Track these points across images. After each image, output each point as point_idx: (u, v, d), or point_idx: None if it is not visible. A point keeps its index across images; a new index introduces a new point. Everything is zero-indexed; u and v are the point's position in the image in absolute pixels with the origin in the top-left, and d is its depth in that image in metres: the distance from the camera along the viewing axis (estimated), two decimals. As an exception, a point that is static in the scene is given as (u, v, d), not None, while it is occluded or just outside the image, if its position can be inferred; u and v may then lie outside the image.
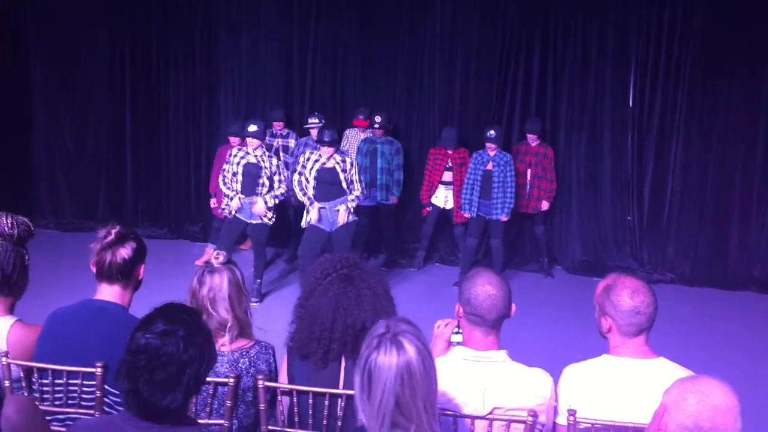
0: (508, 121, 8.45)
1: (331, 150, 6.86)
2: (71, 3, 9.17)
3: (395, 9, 8.60)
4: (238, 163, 7.01)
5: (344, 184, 6.86)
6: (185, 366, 1.93)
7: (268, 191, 6.98)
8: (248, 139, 6.99)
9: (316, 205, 6.85)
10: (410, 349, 1.97)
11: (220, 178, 7.14)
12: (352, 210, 6.92)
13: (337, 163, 6.88)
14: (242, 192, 6.99)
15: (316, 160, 6.91)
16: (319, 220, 6.86)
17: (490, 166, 7.52)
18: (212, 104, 9.22)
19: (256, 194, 6.96)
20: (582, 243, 8.50)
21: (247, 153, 7.02)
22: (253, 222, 7.02)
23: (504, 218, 7.56)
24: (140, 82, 9.30)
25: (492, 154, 7.52)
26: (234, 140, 7.85)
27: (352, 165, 6.95)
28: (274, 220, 7.10)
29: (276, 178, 7.02)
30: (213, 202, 8.14)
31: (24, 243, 3.01)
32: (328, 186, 6.86)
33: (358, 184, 6.97)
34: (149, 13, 9.14)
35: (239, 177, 6.99)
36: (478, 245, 7.93)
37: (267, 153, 7.12)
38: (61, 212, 9.58)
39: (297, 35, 8.90)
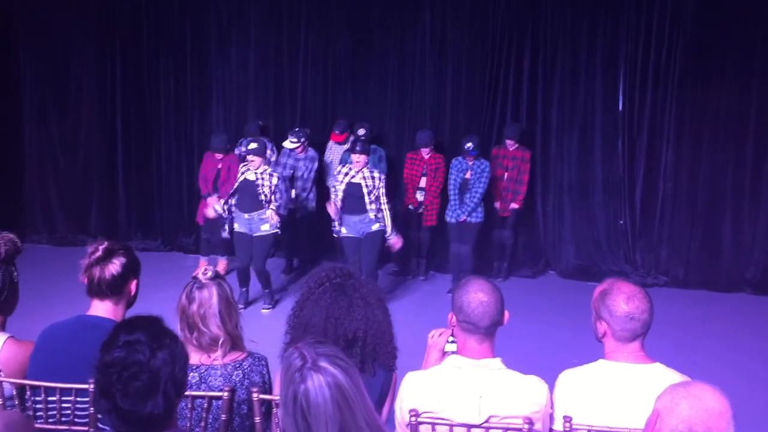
0: (499, 127, 8.45)
1: (361, 160, 6.87)
2: (62, 17, 9.17)
3: (385, 17, 8.63)
4: (237, 179, 7.11)
5: (366, 199, 6.86)
6: (157, 371, 1.91)
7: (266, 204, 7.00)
8: (249, 157, 7.01)
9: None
10: (335, 371, 1.90)
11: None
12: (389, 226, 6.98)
13: (364, 177, 6.89)
14: (240, 209, 7.04)
15: (346, 173, 6.96)
16: (341, 223, 6.99)
17: (468, 175, 7.66)
18: (203, 116, 9.22)
19: (261, 210, 6.97)
20: (575, 247, 8.52)
21: (249, 169, 7.03)
22: (256, 235, 7.04)
23: (463, 218, 7.62)
24: (131, 95, 9.29)
25: (470, 162, 7.64)
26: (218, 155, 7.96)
27: (380, 180, 6.93)
28: (279, 231, 7.12)
29: (278, 195, 7.01)
30: (212, 200, 7.95)
31: (12, 260, 2.97)
32: (356, 200, 6.89)
33: (384, 198, 6.93)
34: (139, 26, 9.14)
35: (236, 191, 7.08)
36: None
37: (269, 171, 7.08)
38: (53, 227, 9.55)
39: (287, 45, 8.92)
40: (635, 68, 8.14)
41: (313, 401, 1.87)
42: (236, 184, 7.06)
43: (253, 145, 6.99)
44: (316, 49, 8.88)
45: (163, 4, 9.06)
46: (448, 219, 7.77)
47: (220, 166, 7.95)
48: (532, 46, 8.36)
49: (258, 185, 6.94)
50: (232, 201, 7.07)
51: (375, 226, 6.92)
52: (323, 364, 1.90)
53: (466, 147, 7.51)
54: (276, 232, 7.10)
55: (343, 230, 7.01)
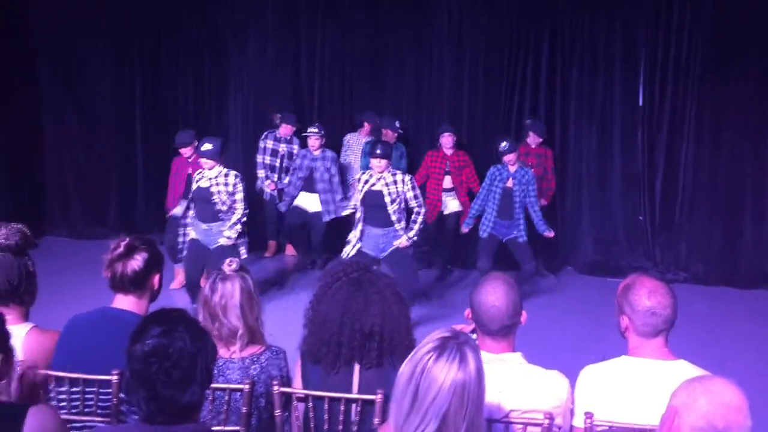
0: (517, 122, 8.42)
1: (382, 165, 6.12)
2: (80, 12, 9.20)
3: (402, 13, 8.60)
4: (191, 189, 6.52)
5: (390, 209, 6.13)
6: (195, 357, 1.94)
7: (228, 214, 6.38)
8: (202, 160, 6.36)
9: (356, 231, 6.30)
10: (471, 367, 1.87)
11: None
12: (415, 239, 6.27)
13: (386, 184, 6.14)
14: (198, 218, 6.43)
15: (366, 181, 6.20)
16: (361, 239, 6.23)
17: (510, 183, 6.91)
18: (221, 110, 9.24)
19: (220, 220, 6.38)
20: (593, 243, 8.48)
21: (203, 176, 6.40)
22: (214, 246, 6.35)
23: (524, 238, 6.98)
24: (149, 90, 9.34)
25: (512, 169, 6.90)
26: (185, 152, 7.24)
27: (404, 183, 6.14)
28: (245, 253, 6.43)
29: (237, 197, 6.36)
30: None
31: (23, 250, 2.99)
32: (378, 210, 6.15)
33: (414, 202, 6.18)
34: (157, 21, 9.17)
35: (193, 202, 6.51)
36: (492, 269, 6.84)
37: (224, 171, 6.36)
38: (72, 220, 9.60)
39: (304, 41, 8.92)
40: (655, 63, 8.08)
41: (433, 378, 1.85)
42: (191, 194, 6.49)
43: (207, 146, 6.26)
44: (333, 45, 8.87)
45: (181, 0, 9.09)
46: (481, 233, 7.01)
47: (190, 170, 7.08)
48: (550, 41, 8.30)
49: (212, 192, 6.28)
50: (190, 212, 6.52)
51: (397, 242, 6.18)
52: (467, 351, 1.89)
53: (501, 147, 6.85)
54: (236, 246, 6.35)
55: (357, 244, 6.24)
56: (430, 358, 1.87)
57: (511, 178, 6.91)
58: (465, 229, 7.25)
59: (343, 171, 8.35)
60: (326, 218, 7.85)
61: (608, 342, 2.94)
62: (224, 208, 6.33)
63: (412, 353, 1.93)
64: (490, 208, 6.94)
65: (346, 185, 8.09)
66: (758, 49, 7.76)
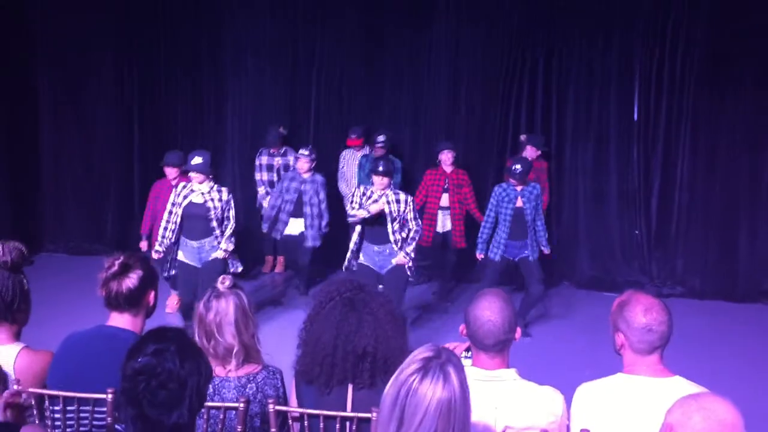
0: (513, 137, 8.46)
1: (384, 182, 6.11)
2: (78, 27, 9.22)
3: (398, 28, 8.64)
4: (180, 204, 6.20)
5: (389, 228, 6.09)
6: (185, 380, 1.92)
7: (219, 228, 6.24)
8: (192, 174, 6.17)
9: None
10: (455, 385, 1.86)
11: (165, 217, 6.24)
12: (412, 256, 6.19)
13: (388, 202, 6.10)
14: (188, 237, 6.23)
15: (369, 197, 6.14)
16: (358, 252, 6.24)
17: (519, 203, 6.66)
18: (219, 125, 9.25)
19: (211, 235, 6.23)
20: (590, 258, 8.49)
21: (192, 191, 6.21)
22: (205, 262, 6.23)
23: (535, 257, 6.72)
24: (147, 104, 9.35)
25: (519, 188, 6.69)
26: (170, 172, 7.12)
27: (406, 203, 6.11)
28: (240, 267, 6.37)
29: (231, 213, 6.29)
30: (143, 246, 7.09)
31: (19, 268, 2.99)
32: (378, 227, 6.14)
33: (414, 222, 6.15)
34: (156, 35, 9.20)
35: (177, 219, 6.18)
36: None
37: (216, 187, 6.26)
38: (69, 236, 9.57)
39: (302, 56, 8.95)
40: (650, 77, 8.12)
41: (419, 401, 1.85)
42: (180, 211, 6.19)
43: (197, 160, 6.09)
44: (330, 60, 8.89)
45: (179, 15, 9.12)
46: (493, 256, 6.74)
47: None
48: (546, 55, 8.35)
49: (209, 208, 6.16)
50: (170, 235, 6.20)
51: (395, 260, 6.16)
52: (450, 370, 1.88)
53: (514, 169, 6.61)
54: (228, 263, 6.25)
55: (361, 257, 6.24)
56: (414, 380, 1.86)
57: (519, 197, 6.67)
58: (480, 255, 6.87)
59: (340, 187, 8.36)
60: (310, 244, 7.47)
61: (604, 358, 2.94)
62: (216, 223, 6.23)
63: (395, 375, 1.92)
64: (501, 230, 6.67)
65: (342, 201, 8.08)
66: (753, 61, 7.80)
